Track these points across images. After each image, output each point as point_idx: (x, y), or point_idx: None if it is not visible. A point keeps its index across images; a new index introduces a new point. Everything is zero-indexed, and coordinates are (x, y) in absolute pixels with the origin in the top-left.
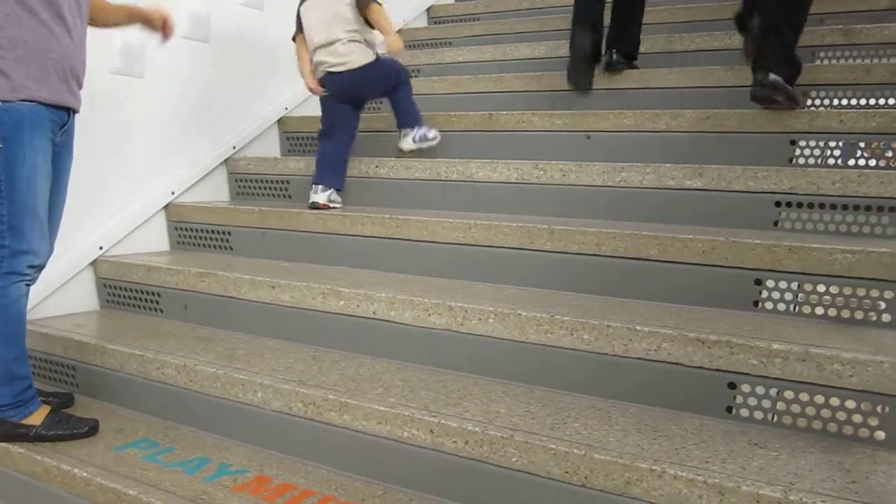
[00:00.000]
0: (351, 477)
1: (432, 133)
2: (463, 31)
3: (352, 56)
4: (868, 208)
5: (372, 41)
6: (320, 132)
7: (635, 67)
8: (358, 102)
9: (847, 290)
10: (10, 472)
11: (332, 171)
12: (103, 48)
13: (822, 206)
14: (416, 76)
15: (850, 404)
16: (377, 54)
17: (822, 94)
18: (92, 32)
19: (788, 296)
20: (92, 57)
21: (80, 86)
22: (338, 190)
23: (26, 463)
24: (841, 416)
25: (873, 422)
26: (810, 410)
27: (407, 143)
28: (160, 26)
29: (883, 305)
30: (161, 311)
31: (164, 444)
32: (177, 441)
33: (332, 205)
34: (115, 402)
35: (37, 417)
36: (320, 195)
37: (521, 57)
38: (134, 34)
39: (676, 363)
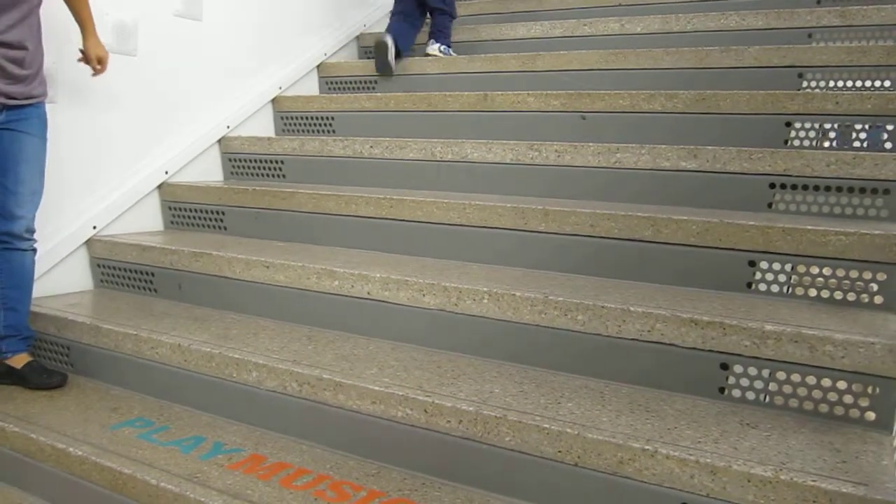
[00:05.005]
0: (345, 456)
1: (452, 53)
2: (459, 11)
3: None
4: (862, 190)
5: None
6: (392, 11)
7: None
8: None
9: (840, 272)
10: (4, 450)
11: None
12: (97, 25)
13: (816, 188)
14: (411, 55)
15: (842, 385)
16: None
17: (818, 75)
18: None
19: (782, 277)
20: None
21: (11, 79)
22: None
23: (21, 441)
24: (832, 396)
25: (864, 402)
26: (802, 391)
27: (433, 48)
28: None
29: (875, 287)
30: (155, 290)
31: (159, 423)
32: (172, 420)
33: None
34: (110, 382)
35: None
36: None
37: (516, 37)
38: (127, 12)
39: (670, 344)
